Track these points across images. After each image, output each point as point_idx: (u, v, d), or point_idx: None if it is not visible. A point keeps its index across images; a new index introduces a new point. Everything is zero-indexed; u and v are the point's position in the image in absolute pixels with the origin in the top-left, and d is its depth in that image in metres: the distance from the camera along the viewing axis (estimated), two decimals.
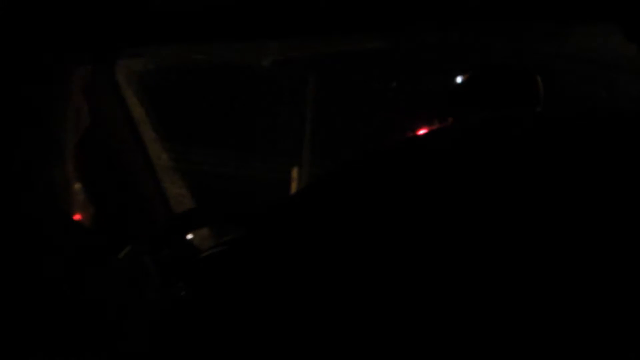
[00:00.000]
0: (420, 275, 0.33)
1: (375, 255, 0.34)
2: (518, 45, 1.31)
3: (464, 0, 1.06)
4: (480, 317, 0.32)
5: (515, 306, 0.32)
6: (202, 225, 1.68)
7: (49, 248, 0.63)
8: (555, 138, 0.36)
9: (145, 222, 1.68)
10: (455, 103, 1.20)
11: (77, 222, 0.75)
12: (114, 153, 1.65)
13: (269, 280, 0.35)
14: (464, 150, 0.36)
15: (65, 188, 0.77)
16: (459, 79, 1.19)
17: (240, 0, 1.12)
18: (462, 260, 0.33)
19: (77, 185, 1.77)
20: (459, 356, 0.33)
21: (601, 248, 0.33)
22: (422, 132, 1.31)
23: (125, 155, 1.67)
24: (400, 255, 0.33)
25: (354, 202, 0.36)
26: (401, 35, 1.38)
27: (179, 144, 1.89)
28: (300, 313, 0.34)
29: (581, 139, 0.35)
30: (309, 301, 0.34)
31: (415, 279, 0.33)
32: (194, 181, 1.84)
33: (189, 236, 1.60)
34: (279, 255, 0.35)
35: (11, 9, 0.69)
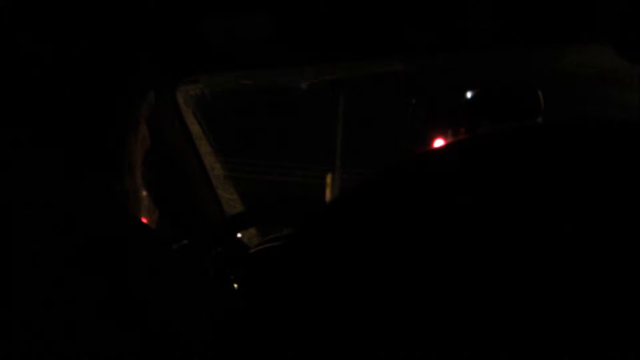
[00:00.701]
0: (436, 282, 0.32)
1: (394, 264, 0.32)
2: (520, 65, 1.30)
3: (471, 31, 1.05)
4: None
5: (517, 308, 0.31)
6: (250, 225, 1.68)
7: (125, 245, 0.63)
8: (548, 147, 0.34)
9: (201, 223, 1.68)
10: (466, 116, 1.19)
11: (145, 223, 0.76)
12: (175, 164, 1.66)
13: (314, 274, 0.34)
14: (480, 160, 0.35)
15: (135, 195, 0.77)
16: (468, 95, 1.19)
17: (281, 34, 1.12)
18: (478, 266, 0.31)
19: (144, 193, 1.79)
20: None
21: (602, 250, 0.31)
22: (438, 141, 1.31)
23: (185, 166, 1.68)
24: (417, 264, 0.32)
25: (381, 211, 0.34)
26: (419, 60, 1.38)
27: (230, 156, 1.90)
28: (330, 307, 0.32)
29: (571, 147, 0.33)
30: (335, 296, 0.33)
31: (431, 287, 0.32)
32: (243, 188, 1.84)
33: (239, 235, 1.61)
34: (321, 253, 0.34)
35: (103, 51, 0.71)
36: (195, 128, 1.69)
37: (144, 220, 0.92)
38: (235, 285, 1.40)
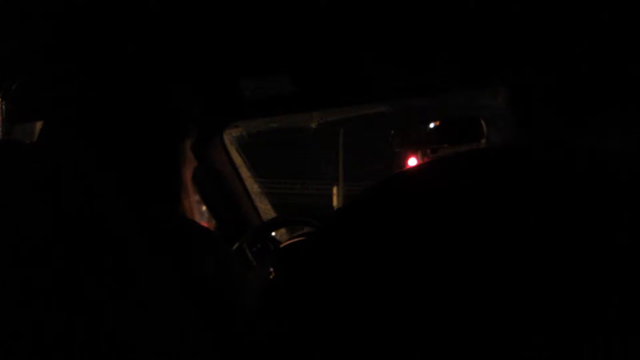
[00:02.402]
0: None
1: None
2: (466, 101, 1.30)
3: (433, 82, 1.05)
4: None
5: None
6: (281, 227, 1.68)
7: (192, 242, 0.60)
8: (480, 164, 0.32)
9: (245, 228, 1.68)
10: (430, 141, 1.19)
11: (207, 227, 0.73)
12: (225, 185, 1.67)
13: (330, 261, 0.32)
14: (443, 176, 0.33)
15: (194, 210, 0.74)
16: (432, 125, 1.18)
17: (295, 90, 1.13)
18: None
19: (204, 208, 1.79)
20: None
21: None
22: (411, 159, 1.30)
23: (231, 186, 1.69)
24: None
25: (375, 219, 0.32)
26: (396, 103, 1.38)
27: (263, 178, 1.90)
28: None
29: (496, 164, 0.32)
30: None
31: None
32: (274, 200, 1.84)
33: (273, 234, 1.61)
34: (334, 245, 0.33)
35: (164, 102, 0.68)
36: (238, 159, 1.70)
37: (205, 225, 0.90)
38: (271, 269, 1.39)
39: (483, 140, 1.12)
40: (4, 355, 0.47)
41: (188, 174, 0.72)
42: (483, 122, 1.15)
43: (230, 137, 1.67)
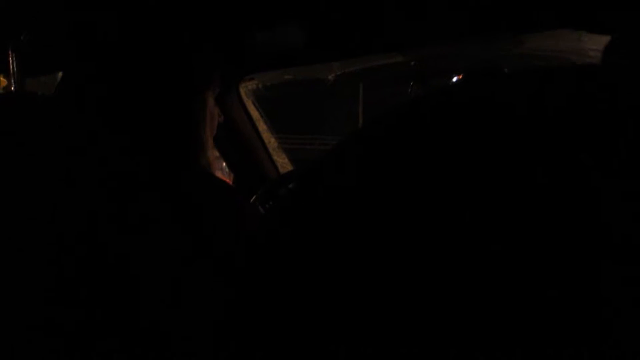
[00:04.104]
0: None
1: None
2: (492, 52, 1.24)
3: (453, 28, 1.00)
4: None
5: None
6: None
7: (210, 194, 0.61)
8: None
9: (262, 181, 1.70)
10: None
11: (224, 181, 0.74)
12: (242, 139, 1.67)
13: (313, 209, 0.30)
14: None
15: (214, 163, 0.75)
16: (454, 79, 1.14)
17: (312, 42, 1.10)
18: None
19: (222, 161, 1.80)
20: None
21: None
22: None
23: (249, 140, 1.69)
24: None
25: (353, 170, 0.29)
26: (415, 52, 1.33)
27: (280, 132, 1.89)
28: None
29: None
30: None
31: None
32: (291, 154, 1.84)
33: (290, 186, 1.61)
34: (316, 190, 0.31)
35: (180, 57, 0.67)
36: (254, 112, 1.69)
37: (224, 179, 0.90)
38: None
39: None
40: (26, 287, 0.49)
41: (210, 128, 0.71)
42: (506, 72, 1.10)
43: (246, 90, 1.65)
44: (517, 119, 0.26)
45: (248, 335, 0.27)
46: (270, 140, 1.76)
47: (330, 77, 1.74)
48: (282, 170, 1.76)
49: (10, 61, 0.90)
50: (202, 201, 0.57)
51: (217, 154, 1.68)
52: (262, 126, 1.72)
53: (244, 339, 0.27)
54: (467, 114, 0.28)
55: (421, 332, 0.24)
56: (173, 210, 0.54)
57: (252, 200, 1.51)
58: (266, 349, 0.27)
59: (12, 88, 0.96)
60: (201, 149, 0.69)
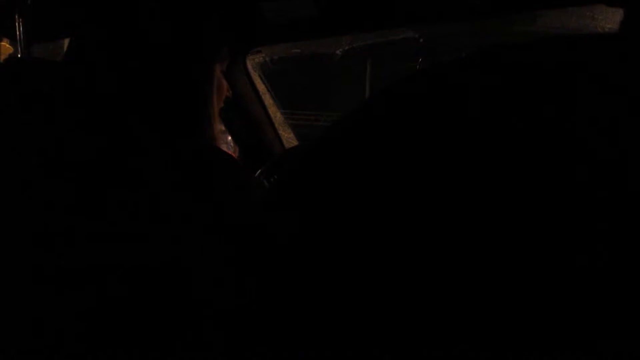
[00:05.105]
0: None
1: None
2: (500, 30, 1.21)
3: (463, 4, 0.98)
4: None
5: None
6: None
7: (215, 167, 0.61)
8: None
9: (268, 156, 1.69)
10: None
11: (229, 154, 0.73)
12: (248, 113, 1.66)
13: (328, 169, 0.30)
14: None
15: (219, 136, 0.74)
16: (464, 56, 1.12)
17: (322, 15, 1.08)
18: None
19: (227, 135, 1.80)
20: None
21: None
22: None
23: (255, 114, 1.68)
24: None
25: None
26: (424, 29, 1.31)
27: (287, 107, 1.88)
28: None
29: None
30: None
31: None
32: (297, 129, 1.84)
33: (293, 163, 1.61)
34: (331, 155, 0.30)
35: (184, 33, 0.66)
36: (261, 86, 1.67)
37: (229, 153, 0.89)
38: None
39: None
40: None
41: (217, 101, 0.70)
42: None
43: (253, 63, 1.64)
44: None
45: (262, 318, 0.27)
46: (276, 114, 1.75)
47: (338, 51, 1.72)
48: (288, 145, 1.75)
49: (17, 26, 0.89)
50: (209, 173, 0.57)
51: (222, 127, 1.67)
52: (268, 100, 1.71)
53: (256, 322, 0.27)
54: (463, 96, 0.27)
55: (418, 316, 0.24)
56: (182, 181, 0.54)
57: (256, 174, 1.51)
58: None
59: (19, 54, 0.95)
60: (208, 122, 0.69)
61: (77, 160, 0.51)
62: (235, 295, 0.29)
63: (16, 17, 0.89)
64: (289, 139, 1.78)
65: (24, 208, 0.50)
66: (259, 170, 1.53)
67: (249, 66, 1.61)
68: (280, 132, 1.75)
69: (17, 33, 0.90)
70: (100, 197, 0.50)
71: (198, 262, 0.50)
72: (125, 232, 0.50)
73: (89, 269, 0.49)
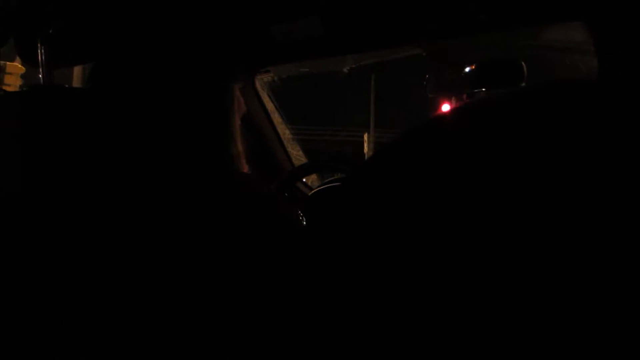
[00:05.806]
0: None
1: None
2: (506, 42, 1.23)
3: (467, 21, 1.00)
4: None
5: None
6: (312, 172, 1.69)
7: (235, 186, 0.61)
8: (527, 105, 0.30)
9: (278, 172, 1.70)
10: (467, 85, 1.15)
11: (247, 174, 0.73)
12: (257, 131, 1.68)
13: (362, 205, 0.32)
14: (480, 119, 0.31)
15: (237, 152, 0.75)
16: (467, 70, 1.14)
17: (329, 36, 1.10)
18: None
19: (243, 150, 1.82)
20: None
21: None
22: (444, 105, 1.27)
23: (264, 132, 1.70)
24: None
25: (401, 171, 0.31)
26: (429, 45, 1.33)
27: (295, 124, 1.90)
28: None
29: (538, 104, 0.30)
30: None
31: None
32: (305, 146, 1.85)
33: (304, 179, 1.62)
34: (365, 190, 0.33)
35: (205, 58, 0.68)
36: (269, 105, 1.69)
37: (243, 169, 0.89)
38: (300, 212, 1.42)
39: (523, 84, 1.07)
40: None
41: (237, 119, 0.71)
42: (523, 65, 1.10)
43: (261, 82, 1.66)
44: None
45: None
46: (284, 132, 1.76)
47: (344, 69, 1.75)
48: (297, 163, 1.76)
49: (40, 54, 0.92)
50: (232, 188, 0.58)
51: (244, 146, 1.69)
52: (276, 118, 1.73)
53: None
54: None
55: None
56: (204, 201, 0.55)
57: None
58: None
59: (41, 81, 0.98)
60: (232, 139, 0.69)
61: (104, 186, 0.52)
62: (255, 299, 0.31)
63: (38, 44, 0.92)
64: (297, 156, 1.79)
65: (48, 228, 0.51)
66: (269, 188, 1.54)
67: (258, 85, 1.64)
68: (289, 149, 1.77)
69: (39, 60, 0.93)
70: (125, 219, 0.51)
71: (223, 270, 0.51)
72: (160, 256, 0.51)
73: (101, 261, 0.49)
